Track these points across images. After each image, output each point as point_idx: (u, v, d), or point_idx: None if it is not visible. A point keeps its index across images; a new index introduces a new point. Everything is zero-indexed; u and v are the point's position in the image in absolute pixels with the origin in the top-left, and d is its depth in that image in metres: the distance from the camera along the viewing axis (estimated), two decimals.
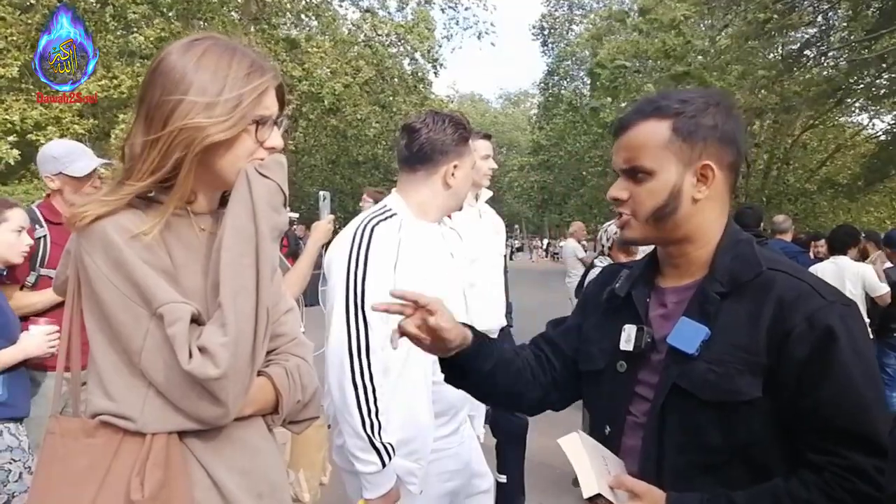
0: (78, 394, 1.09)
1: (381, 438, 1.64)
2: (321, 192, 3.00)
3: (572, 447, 1.12)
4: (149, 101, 1.08)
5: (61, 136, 12.18)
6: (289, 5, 18.70)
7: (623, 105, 11.94)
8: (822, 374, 1.02)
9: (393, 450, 1.66)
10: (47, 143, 3.10)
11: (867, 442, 0.99)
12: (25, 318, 2.47)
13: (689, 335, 1.11)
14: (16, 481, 2.21)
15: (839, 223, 17.38)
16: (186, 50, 1.09)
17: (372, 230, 1.74)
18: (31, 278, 2.60)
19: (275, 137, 1.15)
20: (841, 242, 5.31)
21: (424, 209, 1.87)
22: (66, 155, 2.66)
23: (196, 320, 1.02)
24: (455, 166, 1.85)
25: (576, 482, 1.24)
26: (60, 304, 2.55)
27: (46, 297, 2.59)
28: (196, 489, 1.04)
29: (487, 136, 3.12)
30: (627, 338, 1.21)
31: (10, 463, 2.21)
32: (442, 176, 1.85)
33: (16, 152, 11.89)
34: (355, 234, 1.74)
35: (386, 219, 1.80)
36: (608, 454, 1.18)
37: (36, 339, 2.38)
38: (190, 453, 1.05)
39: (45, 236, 2.62)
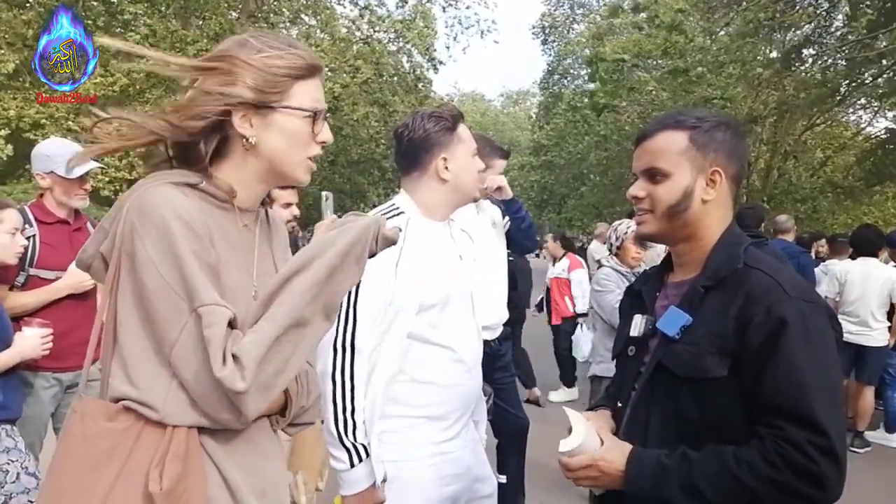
0: (107, 377, 1.07)
1: (353, 438, 1.63)
2: (323, 193, 2.95)
3: (574, 415, 1.35)
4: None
5: (58, 135, 12.18)
6: (287, 4, 18.66)
7: (618, 87, 11.96)
8: (770, 358, 1.17)
9: (367, 451, 1.65)
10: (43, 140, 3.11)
11: (803, 419, 1.13)
12: (15, 319, 2.46)
13: (673, 321, 1.29)
14: (13, 482, 2.22)
15: (839, 223, 17.35)
16: (244, 43, 1.12)
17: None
18: (20, 278, 2.58)
19: (326, 132, 1.19)
20: (869, 243, 5.22)
21: (430, 209, 1.86)
22: (60, 155, 2.64)
23: (231, 324, 1.01)
24: (444, 159, 1.81)
25: None
26: (50, 304, 2.59)
27: (37, 297, 2.58)
28: (208, 485, 1.04)
29: (506, 155, 3.04)
30: (635, 326, 1.41)
31: (8, 464, 2.22)
32: (435, 173, 1.82)
33: (9, 147, 11.86)
34: None
35: (392, 216, 1.79)
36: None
37: (30, 342, 2.37)
38: (202, 448, 1.05)
39: (34, 236, 2.60)
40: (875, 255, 5.23)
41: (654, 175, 1.33)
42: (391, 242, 1.14)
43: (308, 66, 1.13)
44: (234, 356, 0.98)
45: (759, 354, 1.17)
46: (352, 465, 1.64)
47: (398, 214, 1.79)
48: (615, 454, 1.28)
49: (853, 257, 5.41)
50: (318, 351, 1.66)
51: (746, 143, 1.43)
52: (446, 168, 1.82)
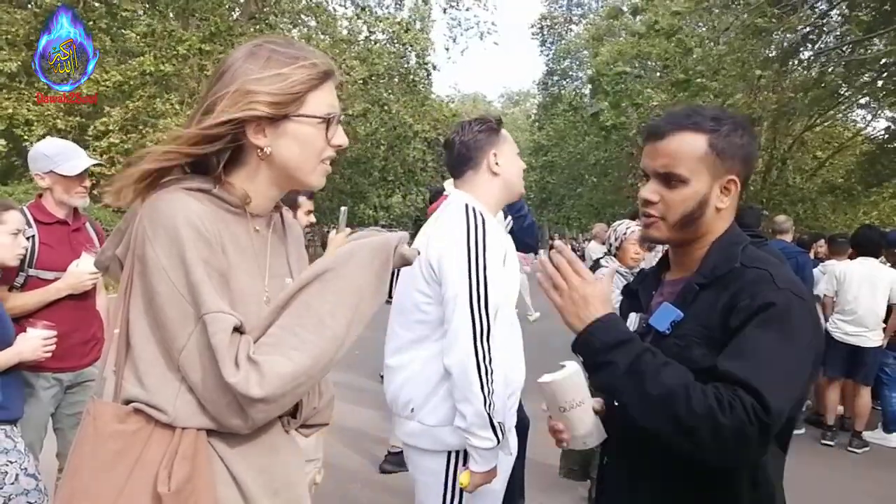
0: (120, 379, 1.08)
1: (495, 417, 1.79)
2: (342, 208, 3.11)
3: (572, 363, 1.35)
4: (209, 97, 1.10)
5: (46, 133, 12.22)
6: (287, 5, 18.66)
7: (623, 106, 11.95)
8: (742, 331, 1.15)
9: (503, 429, 1.82)
10: (34, 140, 3.09)
11: (756, 394, 1.09)
12: (15, 320, 2.45)
13: (664, 317, 1.28)
14: (12, 483, 2.20)
15: (837, 224, 17.35)
16: (251, 56, 1.11)
17: (486, 227, 1.87)
18: (19, 279, 2.58)
19: (341, 136, 1.18)
20: (871, 244, 5.22)
21: (487, 205, 2.00)
22: (58, 154, 2.65)
23: (238, 329, 1.02)
24: (494, 154, 2.00)
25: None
26: (50, 305, 2.59)
27: (36, 298, 2.58)
28: (217, 484, 1.05)
29: None
30: (631, 323, 1.39)
31: (7, 465, 2.20)
32: (486, 168, 2.01)
33: (2, 141, 11.89)
34: (469, 229, 1.85)
35: (476, 211, 1.92)
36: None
37: (31, 343, 2.36)
38: (212, 449, 1.05)
39: (33, 236, 2.60)
40: (876, 256, 5.23)
41: (671, 180, 1.26)
42: (407, 262, 1.15)
43: (321, 74, 1.13)
44: (253, 361, 0.99)
45: (736, 333, 1.16)
46: (497, 442, 1.80)
47: (480, 212, 1.91)
48: (599, 301, 1.23)
49: (852, 257, 5.41)
50: (453, 342, 1.80)
51: (756, 142, 1.38)
52: (497, 163, 2.00)
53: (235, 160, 1.15)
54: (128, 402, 1.05)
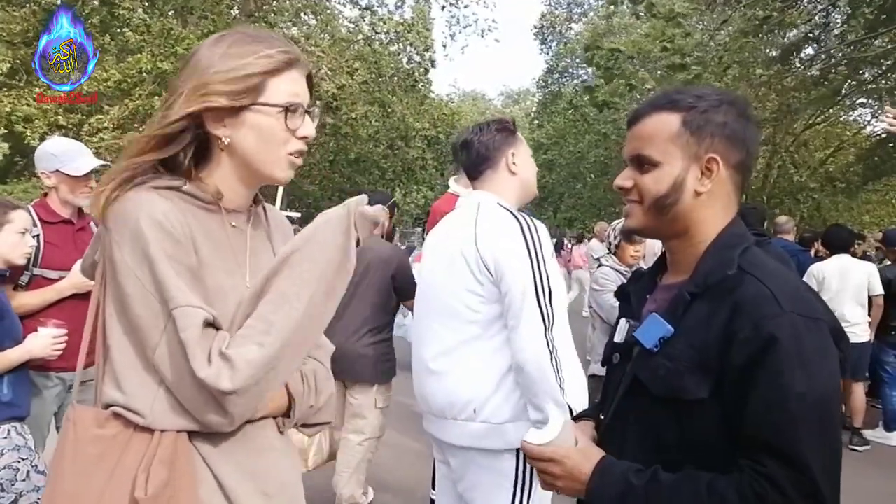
0: (100, 384, 1.08)
1: (571, 404, 1.83)
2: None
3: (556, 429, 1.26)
4: (172, 88, 1.10)
5: (47, 129, 12.20)
6: (287, 3, 18.62)
7: (617, 85, 11.88)
8: (755, 382, 1.02)
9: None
10: (36, 137, 3.07)
11: (786, 455, 0.99)
12: (22, 319, 2.45)
13: (652, 331, 1.14)
14: (23, 480, 2.21)
15: (843, 220, 17.40)
16: (215, 44, 1.11)
17: (534, 222, 1.95)
18: (24, 278, 2.59)
19: (307, 126, 1.14)
20: (843, 241, 5.36)
21: (509, 204, 2.03)
22: (65, 153, 2.65)
23: (212, 324, 1.00)
24: (512, 153, 2.08)
25: None
26: (54, 304, 2.59)
27: (41, 297, 2.59)
28: (200, 489, 1.03)
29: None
30: (619, 331, 1.28)
31: (19, 462, 2.21)
32: (505, 166, 2.08)
33: (6, 145, 11.87)
34: (522, 225, 1.90)
35: (506, 209, 1.97)
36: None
37: (41, 341, 2.38)
38: (196, 452, 1.04)
39: (38, 235, 2.61)
40: (847, 251, 5.35)
41: (642, 163, 1.17)
42: (374, 222, 1.13)
43: (279, 63, 1.10)
44: (225, 356, 0.97)
45: (742, 375, 1.02)
46: None
47: (509, 207, 1.96)
48: (583, 457, 1.17)
49: (822, 256, 5.54)
50: (526, 342, 1.82)
51: (754, 126, 1.21)
52: (514, 163, 2.08)
53: (202, 155, 1.14)
54: (107, 407, 1.04)
